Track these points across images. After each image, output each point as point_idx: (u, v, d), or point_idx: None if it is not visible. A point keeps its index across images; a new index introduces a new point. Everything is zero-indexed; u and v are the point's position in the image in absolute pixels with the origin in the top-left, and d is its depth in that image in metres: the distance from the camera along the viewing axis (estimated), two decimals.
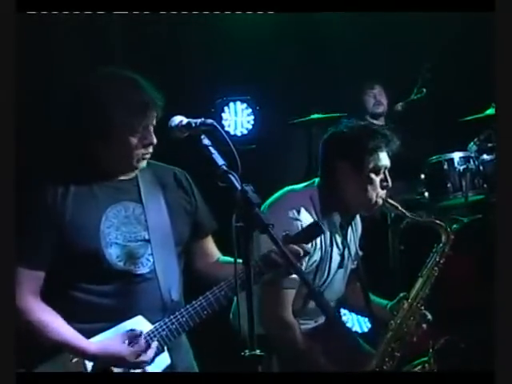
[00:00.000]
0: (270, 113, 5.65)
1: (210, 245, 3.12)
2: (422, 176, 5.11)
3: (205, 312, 2.82)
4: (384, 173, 3.36)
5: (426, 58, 5.66)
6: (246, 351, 2.35)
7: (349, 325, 5.00)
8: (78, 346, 2.73)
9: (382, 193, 3.37)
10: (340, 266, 3.46)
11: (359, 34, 5.89)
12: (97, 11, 4.36)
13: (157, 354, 2.80)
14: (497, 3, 2.87)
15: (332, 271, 3.41)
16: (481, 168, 4.99)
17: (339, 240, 3.44)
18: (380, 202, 3.37)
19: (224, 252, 3.11)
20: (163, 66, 5.25)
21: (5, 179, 2.54)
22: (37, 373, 2.71)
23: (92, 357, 2.73)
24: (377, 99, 5.90)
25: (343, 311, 4.79)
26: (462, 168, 4.97)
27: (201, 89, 5.46)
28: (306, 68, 5.92)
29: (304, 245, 2.82)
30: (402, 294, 3.47)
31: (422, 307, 3.43)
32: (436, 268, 3.45)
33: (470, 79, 5.73)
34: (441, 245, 3.47)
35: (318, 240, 3.29)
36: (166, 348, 2.82)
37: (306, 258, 3.14)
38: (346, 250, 3.47)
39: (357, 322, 5.10)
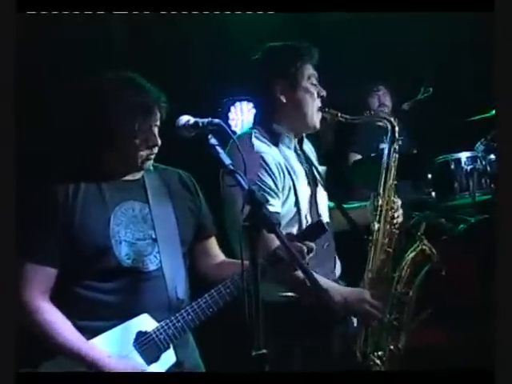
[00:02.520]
0: None
1: (214, 246, 3.14)
2: (429, 176, 5.11)
3: (210, 309, 2.84)
4: (315, 84, 3.41)
5: (431, 58, 5.66)
6: (253, 351, 2.35)
7: None
8: (85, 354, 2.73)
9: (319, 103, 3.42)
10: (314, 184, 3.47)
11: (363, 34, 5.89)
12: (97, 11, 4.36)
13: (162, 352, 2.82)
14: (497, 3, 2.87)
15: (310, 190, 3.42)
16: (488, 168, 4.98)
17: (303, 159, 3.47)
18: (319, 113, 3.42)
19: (228, 253, 3.13)
20: (170, 66, 5.25)
21: (8, 179, 2.55)
22: (37, 373, 2.71)
23: (95, 365, 2.73)
24: (381, 101, 5.90)
25: None
26: (469, 168, 4.97)
27: (208, 88, 5.46)
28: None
29: (308, 242, 2.83)
30: (372, 194, 3.49)
31: (395, 197, 3.46)
32: (395, 155, 3.48)
33: (477, 78, 5.73)
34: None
35: (282, 166, 3.28)
36: (171, 346, 2.83)
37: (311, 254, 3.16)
38: (314, 168, 3.51)
39: None
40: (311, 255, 2.91)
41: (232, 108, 5.64)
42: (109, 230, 2.80)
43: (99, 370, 2.72)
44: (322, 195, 3.52)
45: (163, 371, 2.83)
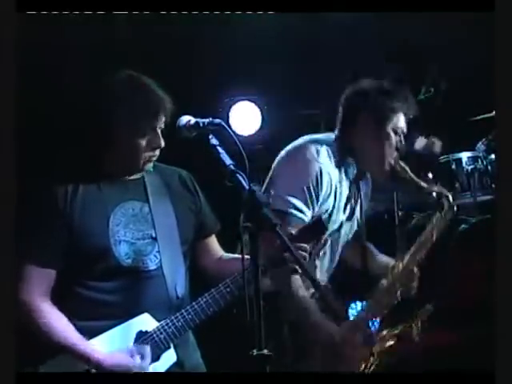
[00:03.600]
0: (278, 112, 5.66)
1: (214, 244, 3.15)
2: (430, 176, 5.11)
3: (210, 309, 2.85)
4: (400, 135, 3.42)
5: (432, 58, 5.66)
6: (254, 351, 2.35)
7: None
8: (84, 352, 2.74)
9: (396, 154, 3.42)
10: (348, 218, 3.50)
11: (363, 34, 5.89)
12: (97, 11, 4.36)
13: (163, 351, 2.82)
14: (497, 3, 2.87)
15: (341, 222, 3.45)
16: (489, 168, 4.97)
17: (353, 192, 3.49)
18: (392, 162, 3.42)
19: (229, 252, 3.14)
20: (170, 66, 5.24)
21: (8, 180, 2.55)
22: (37, 373, 2.71)
23: (96, 364, 2.74)
24: None
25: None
26: (470, 168, 4.96)
27: (208, 88, 5.46)
28: (313, 68, 5.93)
29: (309, 243, 2.86)
30: (398, 255, 3.51)
31: (415, 269, 3.45)
32: (433, 233, 3.48)
33: (479, 78, 5.73)
34: (443, 212, 3.50)
35: (333, 187, 3.34)
36: (172, 345, 2.83)
37: (314, 253, 3.17)
38: (358, 204, 3.53)
39: None
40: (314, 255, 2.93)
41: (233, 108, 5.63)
42: (108, 230, 2.81)
43: (99, 366, 2.72)
44: (349, 231, 3.55)
45: (164, 371, 2.84)
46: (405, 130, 3.43)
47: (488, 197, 4.99)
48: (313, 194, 3.28)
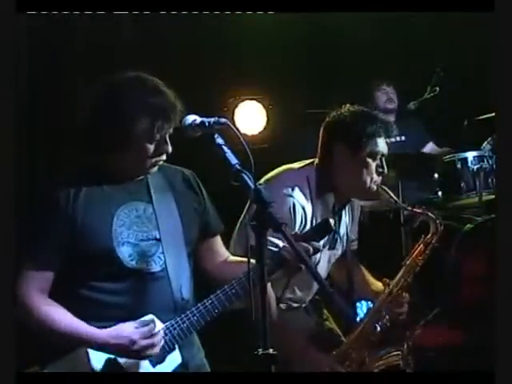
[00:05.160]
0: (283, 112, 5.66)
1: (219, 245, 3.12)
2: (436, 175, 5.11)
3: (216, 311, 2.83)
4: (380, 159, 3.41)
5: (438, 57, 5.67)
6: (260, 350, 2.35)
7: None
8: (88, 333, 2.72)
9: (378, 179, 3.41)
10: (330, 247, 3.50)
11: (364, 34, 5.90)
12: (98, 11, 4.36)
13: (168, 353, 2.81)
14: (497, 3, 2.87)
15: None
16: (494, 167, 4.97)
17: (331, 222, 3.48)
18: (374, 188, 3.41)
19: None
20: (175, 65, 5.24)
21: (8, 179, 2.56)
22: (37, 373, 2.71)
23: (102, 343, 2.72)
24: (389, 96, 5.92)
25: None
26: (475, 167, 4.96)
27: (214, 88, 5.46)
28: (318, 67, 5.93)
29: (314, 242, 2.83)
30: (383, 280, 3.52)
31: (404, 293, 3.46)
32: (420, 258, 3.49)
33: (484, 78, 5.72)
34: (429, 235, 3.51)
35: (308, 218, 3.34)
36: (177, 347, 2.82)
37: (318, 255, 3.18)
38: (340, 232, 3.52)
39: None
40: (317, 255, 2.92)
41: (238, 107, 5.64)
42: (111, 232, 2.79)
43: (100, 346, 2.71)
44: (331, 258, 3.55)
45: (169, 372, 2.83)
46: (385, 153, 3.42)
47: (493, 196, 4.99)
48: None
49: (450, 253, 4.58)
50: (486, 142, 5.10)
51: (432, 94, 5.72)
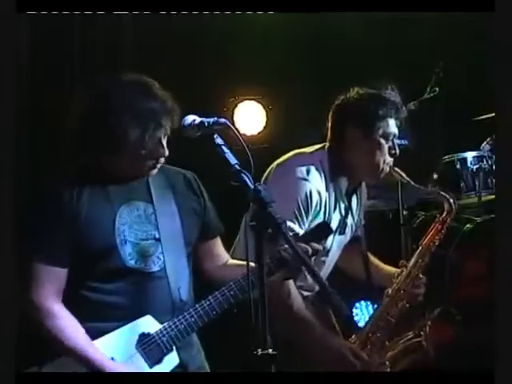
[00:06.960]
0: (283, 112, 5.66)
1: (219, 247, 3.11)
2: (435, 175, 5.11)
3: (214, 312, 2.82)
4: (392, 140, 3.41)
5: (437, 57, 5.66)
6: (259, 350, 2.35)
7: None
8: (91, 356, 2.72)
9: (390, 160, 3.42)
10: (340, 232, 3.49)
11: (364, 34, 5.90)
12: (97, 11, 4.36)
13: (165, 354, 2.80)
14: (497, 3, 2.87)
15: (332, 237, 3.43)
16: (494, 167, 4.97)
17: (343, 206, 3.47)
18: (387, 169, 3.42)
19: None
20: (174, 65, 5.24)
21: (8, 179, 2.56)
22: (37, 373, 2.71)
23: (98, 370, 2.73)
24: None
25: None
26: (475, 167, 4.95)
27: (213, 88, 5.46)
28: (318, 67, 5.93)
29: (314, 243, 2.83)
30: (401, 262, 3.52)
31: (421, 275, 3.46)
32: (437, 237, 3.50)
33: (484, 78, 5.72)
34: (444, 214, 3.52)
35: (323, 203, 3.33)
36: (174, 348, 2.82)
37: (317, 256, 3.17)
38: (349, 217, 3.51)
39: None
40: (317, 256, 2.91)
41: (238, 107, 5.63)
42: (114, 230, 2.79)
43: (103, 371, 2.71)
44: (341, 243, 3.54)
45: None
46: (397, 134, 3.42)
47: (493, 196, 4.99)
48: (303, 213, 3.27)
49: (449, 253, 4.59)
50: (485, 143, 5.10)
51: (432, 94, 5.71)
